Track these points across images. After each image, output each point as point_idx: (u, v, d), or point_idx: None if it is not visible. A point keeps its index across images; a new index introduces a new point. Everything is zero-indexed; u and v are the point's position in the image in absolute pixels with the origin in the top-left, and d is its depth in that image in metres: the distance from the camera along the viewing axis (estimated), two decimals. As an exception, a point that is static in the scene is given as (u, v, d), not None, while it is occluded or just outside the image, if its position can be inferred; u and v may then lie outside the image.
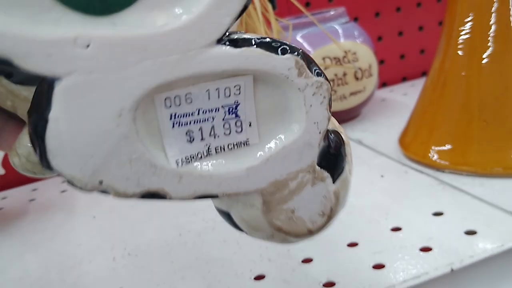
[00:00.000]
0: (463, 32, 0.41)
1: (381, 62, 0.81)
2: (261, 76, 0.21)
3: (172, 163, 0.21)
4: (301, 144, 0.22)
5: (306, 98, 0.22)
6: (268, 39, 0.21)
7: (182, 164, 0.21)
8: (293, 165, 0.22)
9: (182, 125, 0.21)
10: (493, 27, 0.39)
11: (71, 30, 0.18)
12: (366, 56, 0.57)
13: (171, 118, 0.21)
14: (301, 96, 0.22)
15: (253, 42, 0.21)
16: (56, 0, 0.18)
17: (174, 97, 0.21)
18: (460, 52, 0.41)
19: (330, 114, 0.22)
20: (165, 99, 0.20)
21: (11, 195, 0.55)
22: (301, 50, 0.21)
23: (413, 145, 0.45)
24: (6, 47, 0.17)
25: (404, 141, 0.47)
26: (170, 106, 0.21)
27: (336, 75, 0.55)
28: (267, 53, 0.21)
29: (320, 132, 0.22)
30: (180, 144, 0.21)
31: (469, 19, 0.40)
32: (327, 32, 0.55)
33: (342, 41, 0.56)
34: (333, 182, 0.23)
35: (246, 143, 0.22)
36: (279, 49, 0.21)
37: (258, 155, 0.22)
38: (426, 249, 0.32)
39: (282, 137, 0.22)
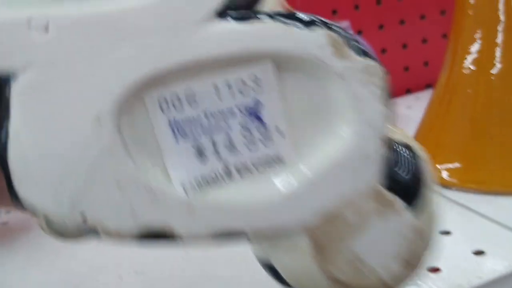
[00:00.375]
0: (470, 49, 0.41)
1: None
2: (285, 62, 0.15)
3: (178, 188, 0.16)
4: (355, 155, 0.16)
5: (351, 89, 0.15)
6: (287, 15, 0.15)
7: (192, 190, 0.16)
8: (347, 187, 0.16)
9: (186, 135, 0.16)
10: (500, 44, 0.39)
11: (24, 10, 0.14)
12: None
13: (170, 126, 0.16)
14: (344, 86, 0.15)
15: (268, 14, 0.15)
16: None
17: (171, 96, 0.15)
18: (467, 69, 0.41)
19: (391, 112, 0.16)
20: (159, 99, 0.15)
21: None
22: (336, 24, 0.16)
23: (420, 162, 0.45)
24: None
25: (410, 157, 0.47)
26: (168, 109, 0.15)
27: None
28: (287, 27, 0.15)
29: (379, 137, 0.16)
30: (187, 163, 0.16)
31: (476, 36, 0.40)
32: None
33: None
34: (412, 214, 0.17)
35: (278, 159, 0.16)
36: (304, 21, 0.15)
37: (296, 174, 0.16)
38: (434, 270, 0.31)
39: (327, 147, 0.16)
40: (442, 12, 0.82)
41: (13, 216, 0.53)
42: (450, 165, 0.42)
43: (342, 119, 0.16)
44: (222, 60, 0.15)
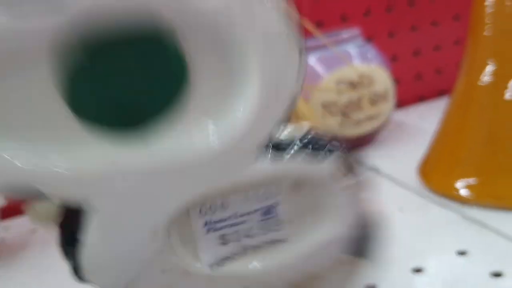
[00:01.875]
0: (487, 60, 0.39)
1: (396, 82, 0.79)
2: (303, 180, 0.21)
3: (207, 268, 0.21)
4: (333, 240, 0.22)
5: (343, 198, 0.22)
6: (311, 144, 0.20)
7: (215, 266, 0.21)
8: (324, 260, 0.23)
9: (216, 230, 0.20)
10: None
11: (100, 163, 0.17)
12: (381, 79, 0.55)
13: (205, 225, 0.20)
14: (339, 196, 0.22)
15: (297, 149, 0.20)
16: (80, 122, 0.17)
17: (210, 205, 0.20)
18: (484, 81, 0.39)
19: (362, 207, 0.23)
20: (201, 208, 0.20)
21: (14, 225, 0.54)
22: (347, 152, 0.21)
23: (435, 176, 0.43)
24: (38, 180, 0.17)
25: (425, 171, 0.45)
26: (205, 213, 0.20)
27: (350, 99, 0.54)
28: (310, 160, 0.20)
29: (351, 227, 0.22)
30: (214, 248, 0.21)
31: (494, 45, 0.38)
32: (342, 56, 0.53)
33: (356, 64, 0.55)
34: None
35: (284, 240, 0.22)
36: (324, 154, 0.20)
37: (294, 250, 0.22)
38: (450, 294, 0.29)
39: (316, 234, 0.22)
40: (455, 18, 0.80)
41: (11, 232, 0.52)
42: (467, 180, 0.39)
43: (330, 217, 0.22)
44: (256, 183, 0.20)
